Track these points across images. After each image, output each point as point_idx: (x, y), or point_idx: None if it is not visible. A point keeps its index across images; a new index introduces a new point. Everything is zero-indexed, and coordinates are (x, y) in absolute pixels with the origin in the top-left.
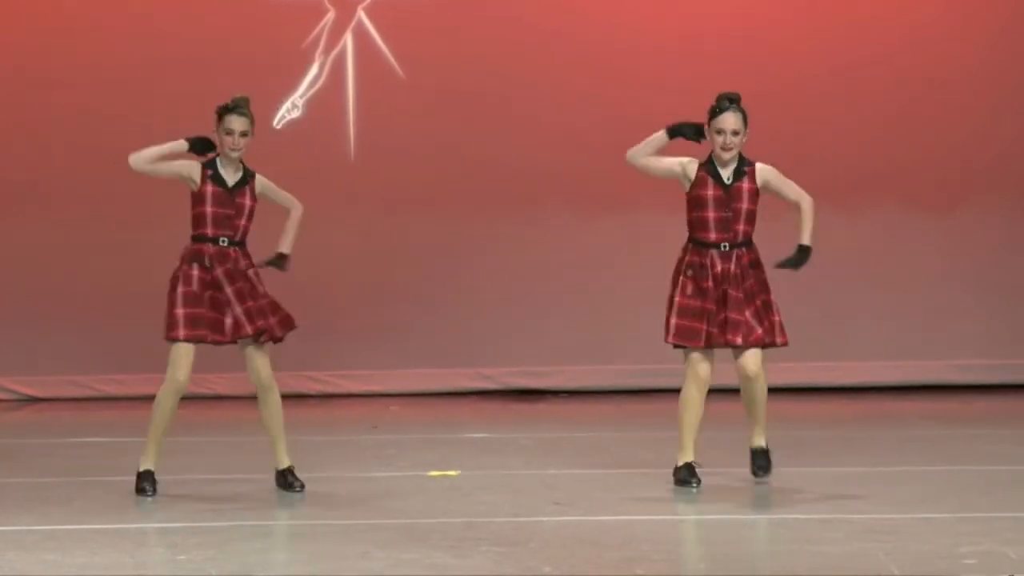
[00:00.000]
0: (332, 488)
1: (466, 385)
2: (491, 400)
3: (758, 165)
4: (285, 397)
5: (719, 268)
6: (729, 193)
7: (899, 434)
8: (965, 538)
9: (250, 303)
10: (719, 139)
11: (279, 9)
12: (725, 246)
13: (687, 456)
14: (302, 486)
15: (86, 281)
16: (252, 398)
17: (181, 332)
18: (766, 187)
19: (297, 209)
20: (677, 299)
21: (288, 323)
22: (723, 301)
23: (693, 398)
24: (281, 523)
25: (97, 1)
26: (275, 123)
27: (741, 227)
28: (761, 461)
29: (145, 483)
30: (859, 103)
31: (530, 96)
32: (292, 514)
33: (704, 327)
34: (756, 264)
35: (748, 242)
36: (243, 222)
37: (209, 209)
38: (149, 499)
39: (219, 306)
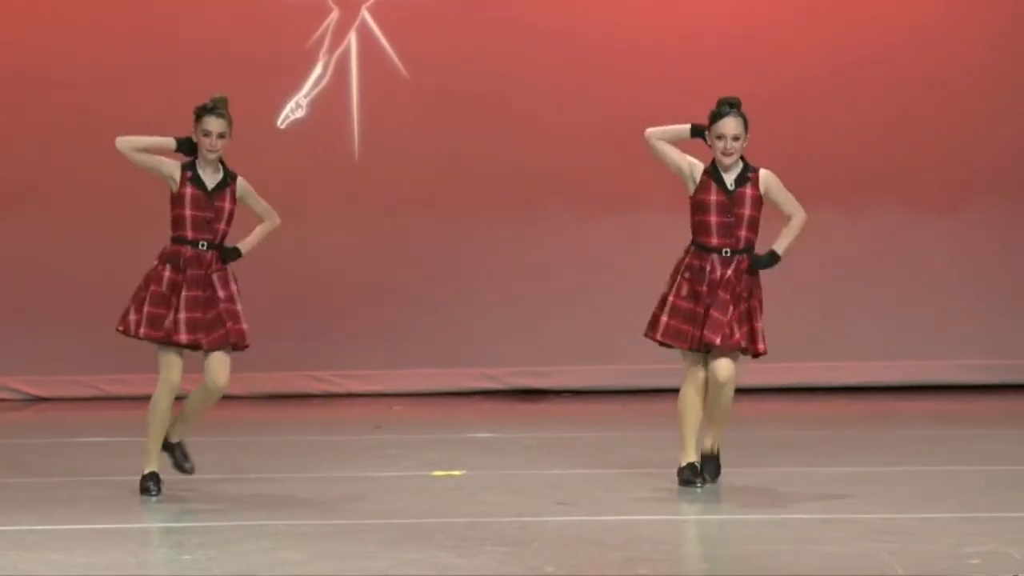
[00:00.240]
0: (336, 488)
1: (469, 385)
2: (494, 400)
3: (762, 172)
4: (289, 397)
5: (718, 273)
6: (732, 198)
7: (901, 434)
8: (969, 538)
9: (198, 314)
10: (719, 144)
11: (283, 9)
12: (727, 251)
13: (689, 456)
14: (192, 470)
15: (90, 281)
16: (257, 398)
17: (142, 331)
18: (767, 194)
19: (273, 221)
20: (671, 299)
21: (225, 339)
22: (723, 305)
23: (692, 398)
24: (285, 523)
25: (100, 1)
26: (279, 123)
27: (743, 233)
28: (711, 468)
29: (150, 483)
30: (860, 103)
31: (533, 96)
32: (296, 514)
33: (691, 330)
34: (751, 271)
35: (750, 248)
36: (222, 226)
37: (188, 212)
38: (154, 499)
39: (179, 308)
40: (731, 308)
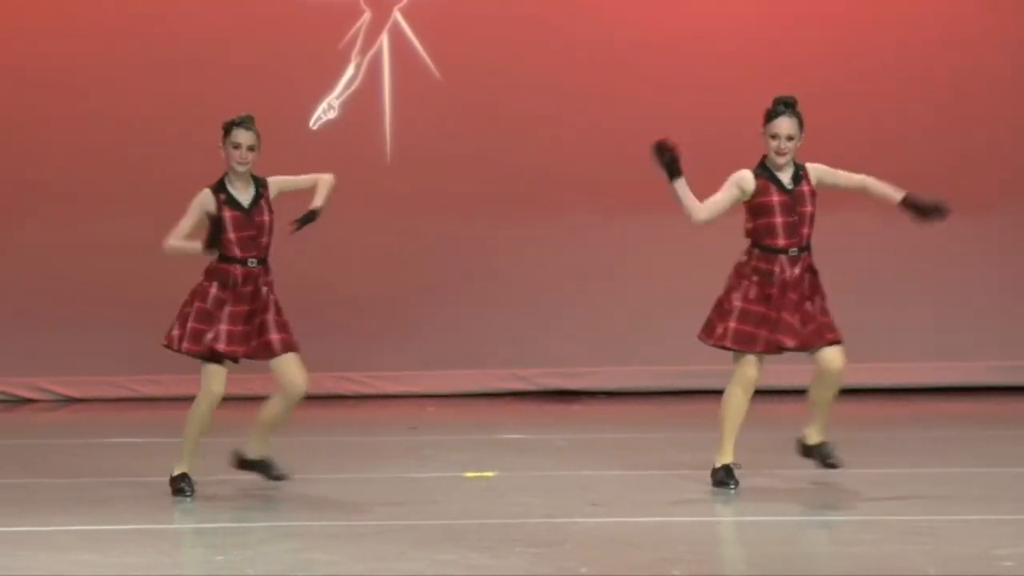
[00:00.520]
0: (369, 489)
1: (502, 386)
2: (527, 401)
3: (808, 165)
4: (322, 398)
5: (787, 273)
6: (793, 197)
7: (936, 436)
8: (1003, 540)
9: (239, 327)
10: (773, 143)
11: (315, 10)
12: (794, 251)
13: (726, 457)
14: (286, 476)
15: (123, 282)
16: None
17: (184, 345)
18: (821, 184)
19: (325, 180)
20: (739, 304)
21: (271, 349)
22: (784, 306)
23: (738, 400)
24: (318, 524)
25: (129, 4)
26: (311, 124)
27: (806, 230)
28: (827, 451)
29: (183, 484)
30: (893, 104)
31: (564, 98)
32: (329, 515)
33: (763, 333)
34: (811, 268)
35: (809, 246)
36: (266, 239)
37: (232, 235)
38: (188, 499)
39: (230, 320)
40: (803, 307)
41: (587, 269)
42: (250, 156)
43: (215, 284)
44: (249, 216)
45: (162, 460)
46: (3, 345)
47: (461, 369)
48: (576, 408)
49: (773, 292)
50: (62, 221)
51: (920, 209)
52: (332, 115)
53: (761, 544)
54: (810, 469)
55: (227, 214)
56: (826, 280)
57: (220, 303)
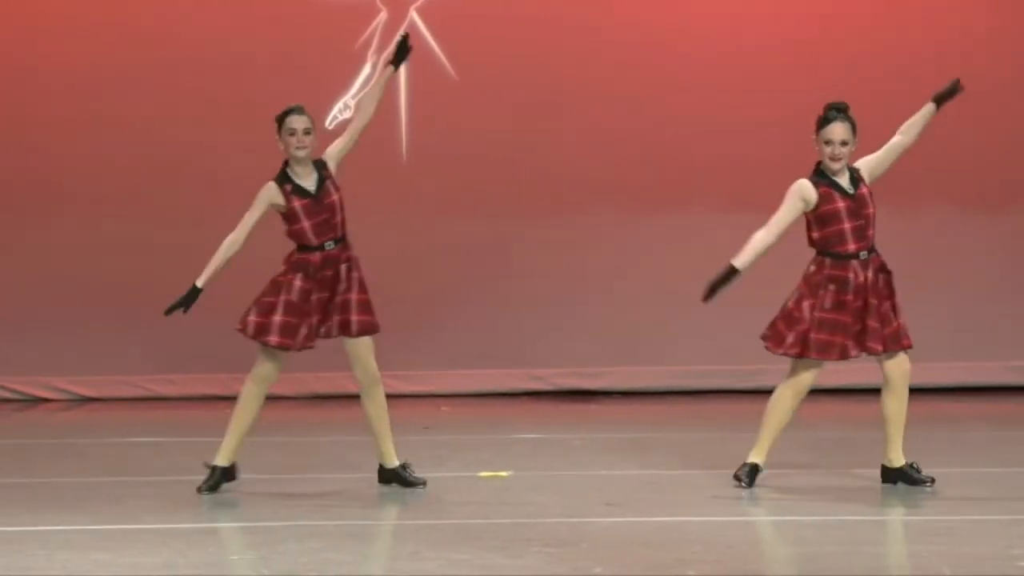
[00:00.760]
0: (384, 488)
1: (517, 386)
2: (542, 401)
3: (858, 164)
4: (337, 397)
5: (861, 278)
6: (856, 200)
7: (951, 436)
8: (1018, 540)
9: (346, 297)
10: (827, 149)
11: (332, 10)
12: (864, 254)
13: (759, 457)
14: (424, 482)
15: (138, 281)
16: (305, 398)
17: (274, 338)
18: (874, 177)
19: (366, 111)
20: (817, 313)
21: (365, 325)
22: (864, 311)
23: (788, 404)
24: (332, 523)
25: (141, 4)
26: (327, 124)
27: (871, 232)
28: (913, 475)
29: (220, 479)
30: (908, 105)
31: (578, 97)
32: (344, 514)
33: (839, 340)
34: (884, 268)
35: (875, 247)
36: (339, 218)
37: (306, 224)
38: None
39: (324, 309)
40: (881, 309)
41: (603, 269)
42: (307, 140)
43: (298, 276)
44: (318, 200)
45: (178, 459)
46: (19, 345)
47: (477, 369)
48: (592, 408)
49: (848, 299)
50: (77, 221)
51: (950, 96)
52: (348, 114)
53: (776, 544)
54: (823, 469)
55: (297, 204)
56: None
57: (306, 295)
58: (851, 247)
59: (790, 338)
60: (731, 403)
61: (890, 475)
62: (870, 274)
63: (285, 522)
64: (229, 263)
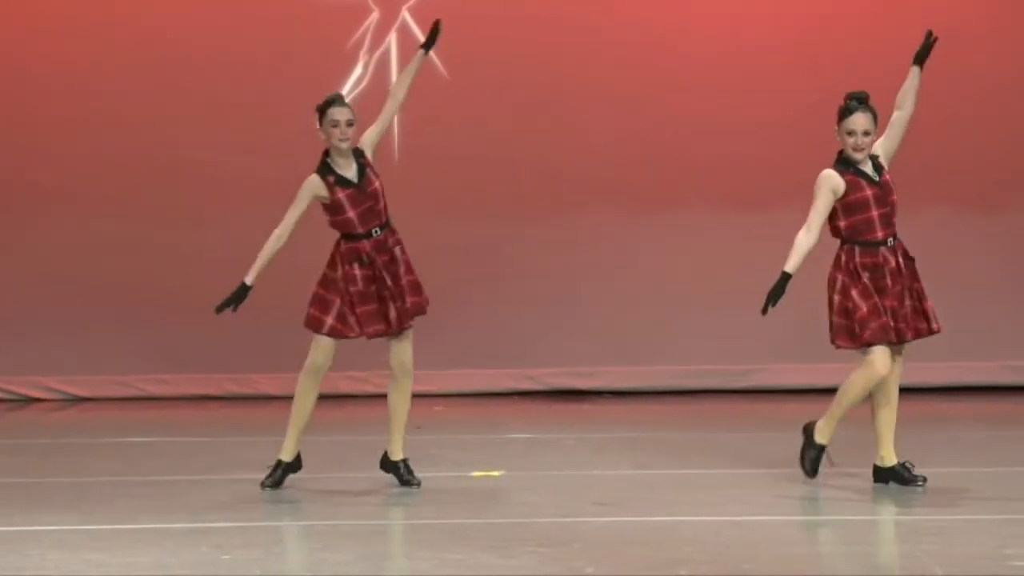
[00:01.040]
0: (376, 488)
1: (510, 386)
2: (535, 401)
3: (877, 150)
4: (328, 397)
5: (892, 263)
6: (882, 187)
7: (946, 435)
8: (1012, 540)
9: (407, 280)
10: (851, 140)
11: (323, 9)
12: (891, 240)
13: (824, 437)
14: (418, 483)
15: (131, 282)
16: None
17: (369, 329)
18: (889, 158)
19: (395, 98)
20: (863, 303)
21: (424, 304)
22: (903, 295)
23: (858, 393)
24: (325, 523)
25: (132, 6)
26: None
27: (895, 219)
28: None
29: (284, 474)
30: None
31: (574, 97)
32: (336, 514)
33: (893, 323)
34: (907, 254)
35: (897, 234)
36: (382, 204)
37: (352, 213)
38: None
39: (383, 299)
40: (908, 298)
41: (596, 269)
42: (349, 131)
43: (355, 265)
44: (361, 189)
45: (170, 459)
46: (11, 344)
47: (470, 368)
48: (585, 408)
49: (887, 284)
50: (69, 221)
51: (927, 51)
52: None
53: (767, 544)
54: (820, 469)
55: (342, 194)
56: None
57: (370, 280)
58: (879, 234)
59: (859, 330)
60: (725, 403)
61: (882, 474)
62: (899, 259)
63: (278, 522)
64: (275, 259)
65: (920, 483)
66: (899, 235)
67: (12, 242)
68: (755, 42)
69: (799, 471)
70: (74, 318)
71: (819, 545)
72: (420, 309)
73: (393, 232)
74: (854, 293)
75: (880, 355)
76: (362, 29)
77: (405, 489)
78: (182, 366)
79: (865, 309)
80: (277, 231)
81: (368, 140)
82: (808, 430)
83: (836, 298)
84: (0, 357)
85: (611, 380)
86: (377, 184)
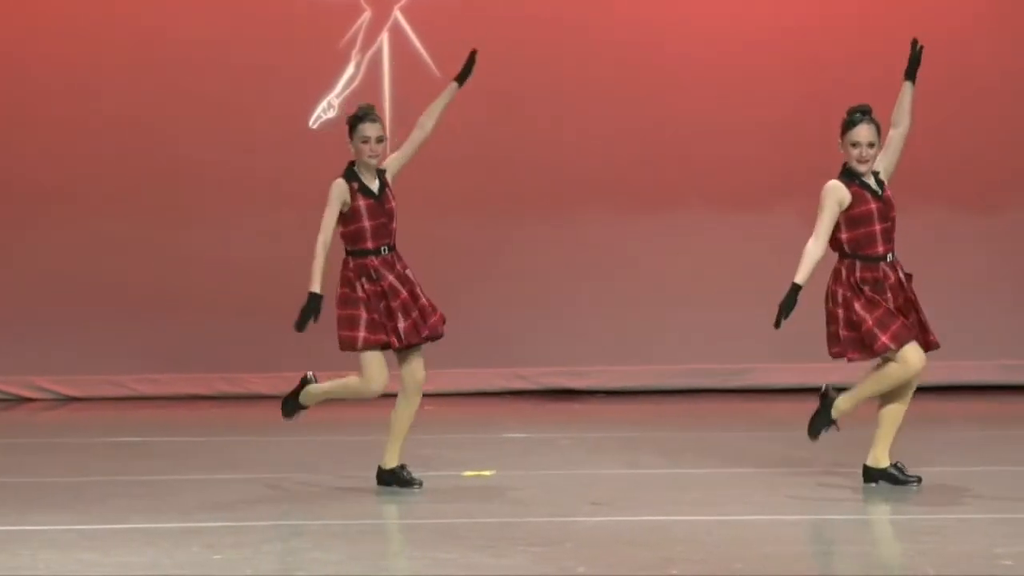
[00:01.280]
0: (368, 488)
1: (502, 385)
2: (527, 400)
3: (878, 165)
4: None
5: (892, 279)
6: (884, 203)
7: (942, 435)
8: (1003, 539)
9: (419, 306)
10: (855, 152)
11: (315, 9)
12: (890, 256)
13: (847, 405)
14: (420, 483)
15: (123, 282)
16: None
17: (366, 338)
18: (888, 177)
19: (423, 127)
20: (875, 315)
21: (439, 325)
22: (907, 309)
23: (895, 379)
24: (317, 523)
25: (132, 7)
26: (311, 123)
27: (895, 235)
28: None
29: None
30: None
31: (567, 96)
32: (328, 514)
33: (906, 321)
34: (904, 271)
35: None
36: (394, 225)
37: (367, 224)
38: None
39: (392, 314)
40: (911, 312)
41: (589, 268)
42: (379, 148)
43: (363, 280)
44: (380, 203)
45: (162, 459)
46: (2, 344)
47: (463, 368)
48: (577, 407)
49: (888, 297)
50: (61, 221)
51: (917, 63)
52: (332, 114)
53: (760, 543)
54: (811, 468)
55: (361, 203)
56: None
57: (380, 296)
58: (880, 249)
59: (868, 339)
60: (718, 402)
61: (873, 475)
62: (899, 274)
63: (270, 522)
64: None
65: (915, 483)
66: (896, 250)
67: (5, 242)
68: (753, 43)
69: (791, 470)
70: (66, 318)
71: (812, 544)
72: (437, 333)
73: (400, 258)
74: (857, 306)
75: (913, 351)
76: (354, 28)
77: (399, 489)
78: (174, 366)
79: (872, 320)
80: (321, 238)
81: (391, 165)
82: (826, 398)
83: (840, 312)
84: None
85: (604, 380)
86: (393, 204)
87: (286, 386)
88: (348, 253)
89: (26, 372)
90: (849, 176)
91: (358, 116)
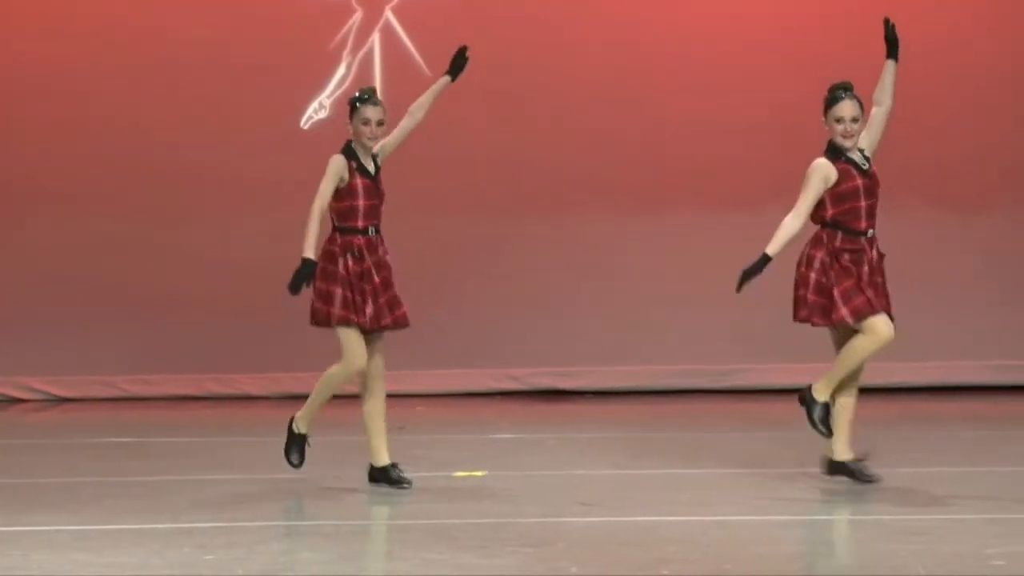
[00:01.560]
0: (359, 488)
1: (493, 386)
2: (517, 401)
3: (862, 143)
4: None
5: (870, 255)
6: (870, 179)
7: (931, 435)
8: (993, 539)
9: (388, 295)
10: (839, 127)
11: (306, 10)
12: (871, 232)
13: (823, 394)
14: (410, 482)
15: (114, 283)
16: (279, 398)
17: (339, 315)
18: (872, 152)
19: (414, 117)
20: (844, 285)
21: (405, 318)
22: (879, 287)
23: (865, 352)
24: (307, 523)
25: (122, 8)
26: (302, 124)
27: (877, 211)
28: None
29: (297, 449)
30: (903, 102)
31: (559, 97)
32: (318, 514)
33: (871, 295)
34: (879, 250)
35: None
36: (383, 208)
37: (361, 203)
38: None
39: (364, 297)
40: (883, 291)
41: (580, 269)
42: (379, 131)
43: (349, 256)
44: (375, 185)
45: (154, 459)
46: None
47: (453, 369)
48: (568, 408)
49: (864, 271)
50: (50, 222)
51: (895, 42)
52: (323, 115)
53: (751, 543)
54: (802, 468)
55: (359, 181)
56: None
57: (363, 275)
58: (863, 224)
59: (829, 308)
60: (708, 403)
61: (835, 468)
62: (875, 253)
63: (261, 522)
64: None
65: (873, 480)
66: (879, 231)
67: None
68: (752, 43)
69: (784, 471)
70: (57, 319)
71: (803, 545)
72: (401, 324)
73: (383, 242)
74: (832, 273)
75: (881, 320)
76: (345, 29)
77: (389, 489)
78: (165, 366)
79: (839, 290)
80: (317, 205)
81: (382, 151)
82: (806, 398)
83: (812, 276)
84: None
85: (594, 380)
86: (384, 189)
87: (277, 387)
88: (336, 229)
89: (18, 373)
90: (835, 153)
91: (361, 98)
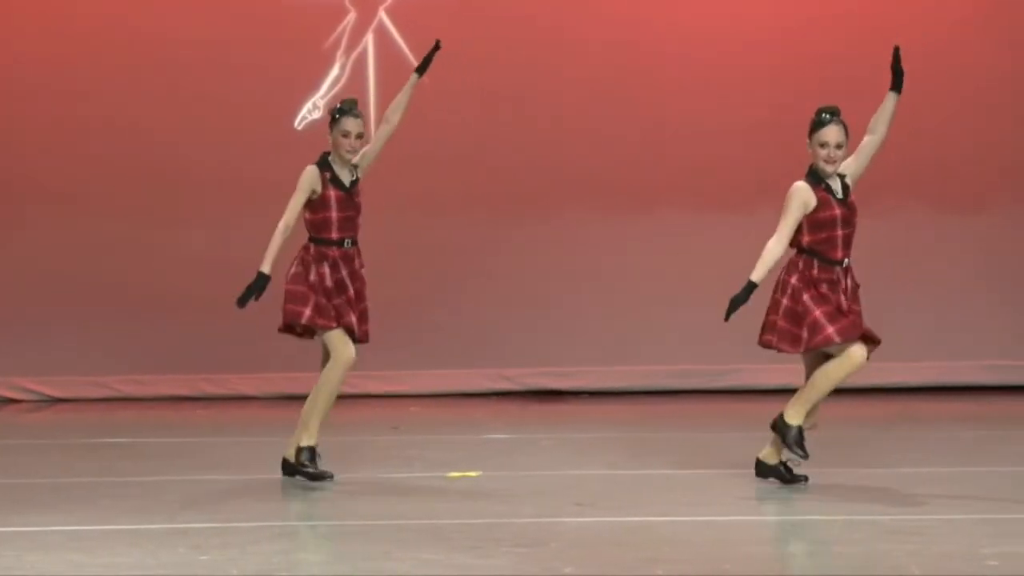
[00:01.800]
0: (354, 489)
1: (487, 386)
2: (512, 401)
3: (844, 170)
4: (304, 398)
5: (844, 284)
6: (848, 208)
7: (926, 435)
8: (988, 539)
9: (360, 308)
10: (822, 152)
11: (300, 10)
12: (846, 261)
13: (797, 419)
14: (331, 476)
15: (108, 283)
16: (273, 399)
17: (311, 316)
18: (854, 182)
19: (391, 122)
20: (822, 308)
21: (367, 335)
22: (855, 314)
23: (836, 379)
24: (303, 524)
25: (117, 8)
26: (296, 124)
27: (854, 240)
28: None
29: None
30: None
31: (552, 97)
32: (314, 515)
33: (848, 322)
34: (855, 280)
35: None
36: (360, 220)
37: (334, 215)
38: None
39: (340, 304)
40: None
41: (573, 269)
42: (358, 144)
43: (324, 265)
44: (350, 196)
45: (148, 460)
46: None
47: (447, 369)
48: (562, 408)
49: (840, 299)
50: (44, 222)
51: (900, 72)
52: (317, 115)
53: (745, 544)
54: (795, 468)
55: (332, 192)
56: None
57: (340, 284)
58: (839, 254)
59: (805, 333)
60: (703, 403)
61: (764, 470)
62: (850, 282)
63: (256, 522)
64: (284, 247)
65: (802, 481)
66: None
67: None
68: (749, 44)
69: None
70: (50, 319)
71: (797, 545)
72: (362, 340)
73: (359, 254)
74: (806, 297)
75: (859, 347)
76: (339, 30)
77: (328, 484)
78: (158, 367)
79: (820, 312)
80: (284, 221)
81: (362, 161)
82: (778, 424)
83: (784, 301)
84: None
85: (588, 380)
86: (361, 200)
87: (271, 387)
88: (310, 239)
89: (11, 373)
90: (815, 178)
91: (342, 110)
